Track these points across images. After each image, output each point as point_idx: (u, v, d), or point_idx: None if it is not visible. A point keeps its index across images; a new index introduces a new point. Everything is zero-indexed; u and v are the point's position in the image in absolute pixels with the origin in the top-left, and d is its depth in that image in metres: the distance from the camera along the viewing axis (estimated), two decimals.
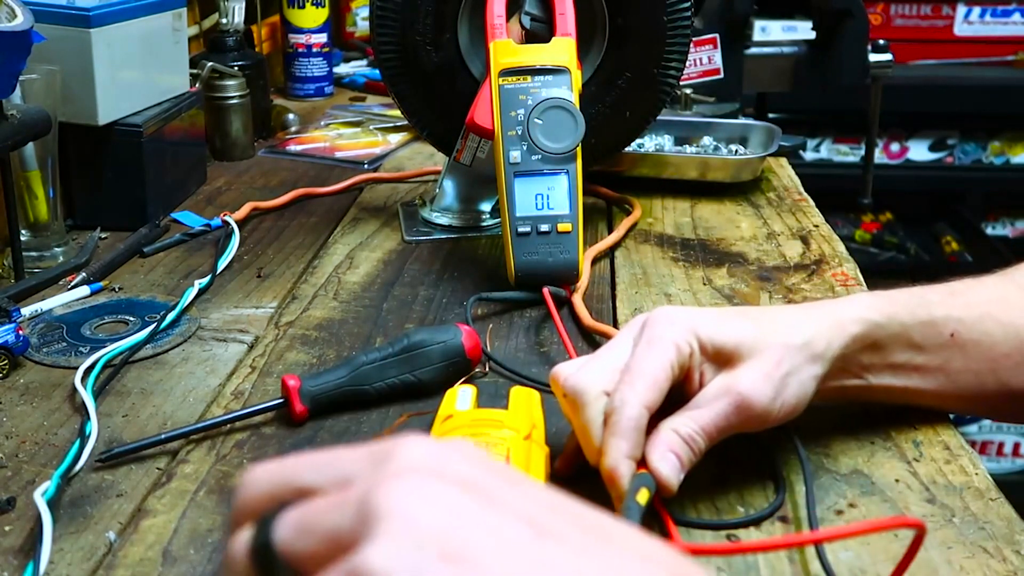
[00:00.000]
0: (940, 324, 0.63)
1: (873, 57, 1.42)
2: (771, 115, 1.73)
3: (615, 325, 0.82)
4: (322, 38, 1.60)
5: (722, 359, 0.58)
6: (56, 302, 0.85)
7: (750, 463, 0.62)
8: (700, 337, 0.57)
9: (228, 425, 0.67)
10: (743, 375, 0.56)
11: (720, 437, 0.57)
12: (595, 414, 0.56)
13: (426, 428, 0.65)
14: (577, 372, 0.58)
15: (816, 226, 1.04)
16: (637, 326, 0.59)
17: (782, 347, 0.58)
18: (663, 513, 0.56)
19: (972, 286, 0.66)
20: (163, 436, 0.64)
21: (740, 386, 0.56)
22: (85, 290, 0.88)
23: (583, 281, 0.88)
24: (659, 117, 1.03)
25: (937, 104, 2.50)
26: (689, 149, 1.21)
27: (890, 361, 0.63)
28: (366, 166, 1.27)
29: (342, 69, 1.77)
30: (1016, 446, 2.54)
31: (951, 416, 0.67)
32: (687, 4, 0.97)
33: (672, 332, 0.57)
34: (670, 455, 0.55)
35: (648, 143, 1.21)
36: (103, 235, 1.01)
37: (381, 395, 0.69)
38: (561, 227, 0.85)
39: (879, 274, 2.56)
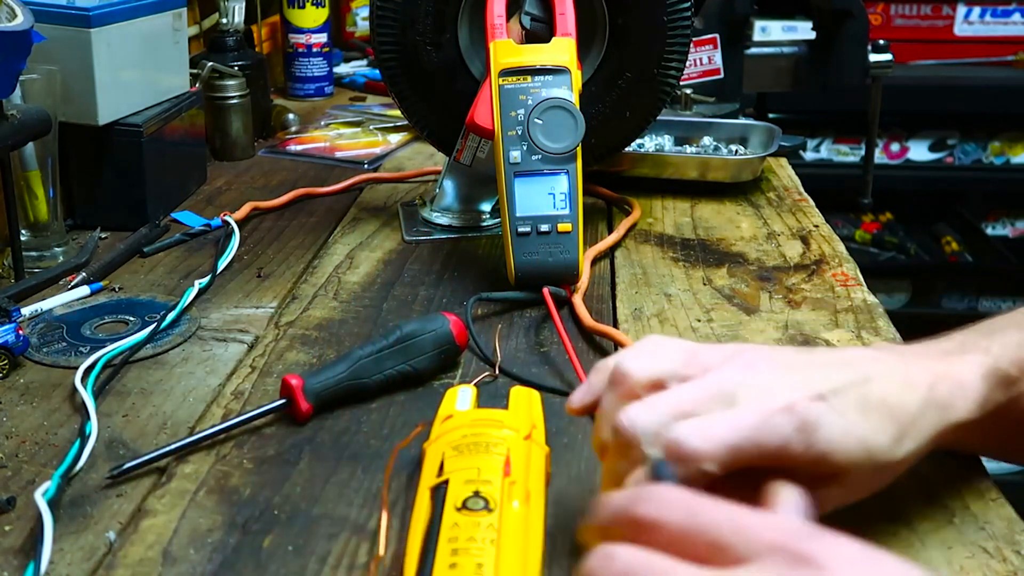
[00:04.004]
0: None
1: (873, 57, 1.42)
2: (771, 115, 1.73)
3: (615, 325, 0.82)
4: (322, 38, 1.60)
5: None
6: (56, 302, 0.85)
7: None
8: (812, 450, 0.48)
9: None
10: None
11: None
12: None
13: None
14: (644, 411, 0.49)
15: (816, 226, 1.04)
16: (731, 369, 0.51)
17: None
18: None
19: None
20: (172, 447, 0.63)
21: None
22: (85, 290, 0.88)
23: (583, 281, 0.88)
24: (659, 117, 1.03)
25: (937, 104, 2.50)
26: (689, 149, 1.21)
27: (993, 437, 0.56)
28: (366, 166, 1.27)
29: (342, 69, 1.77)
30: None
31: None
32: (687, 4, 0.97)
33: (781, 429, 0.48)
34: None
35: (648, 143, 1.21)
36: (103, 235, 1.01)
37: (380, 387, 0.70)
38: (561, 227, 0.85)
39: (879, 274, 2.56)
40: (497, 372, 0.74)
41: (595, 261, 0.95)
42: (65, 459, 0.61)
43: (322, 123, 1.45)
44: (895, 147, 2.63)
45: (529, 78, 0.87)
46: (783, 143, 1.19)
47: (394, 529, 0.56)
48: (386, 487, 0.59)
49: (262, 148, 1.34)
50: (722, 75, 1.36)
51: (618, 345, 0.77)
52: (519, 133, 0.86)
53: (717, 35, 1.35)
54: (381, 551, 0.54)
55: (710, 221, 1.06)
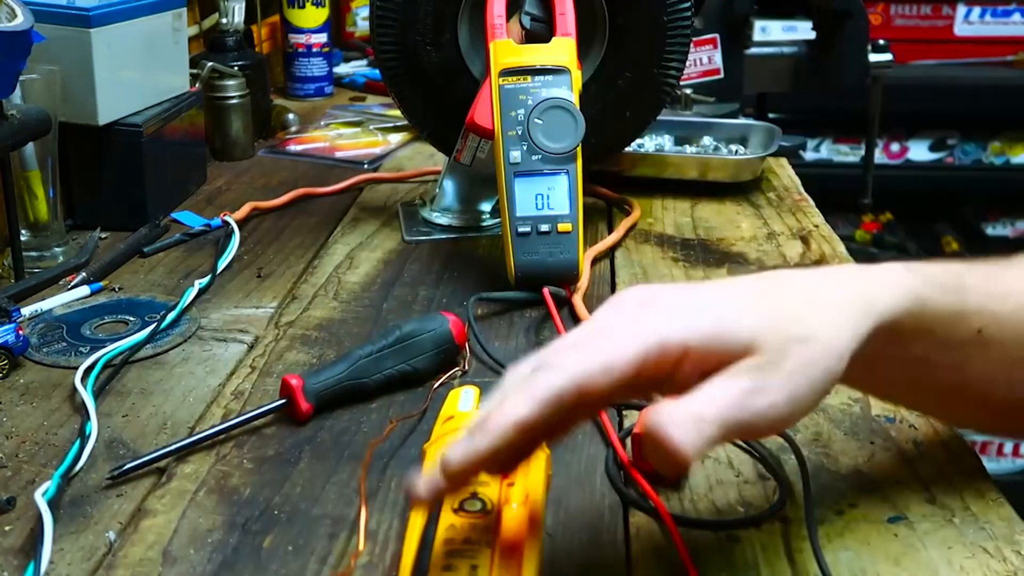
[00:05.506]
0: (971, 317, 0.53)
1: (873, 57, 1.42)
2: (771, 115, 1.73)
3: None
4: (322, 38, 1.60)
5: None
6: (56, 302, 0.85)
7: (750, 463, 0.62)
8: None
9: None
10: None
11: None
12: None
13: (413, 431, 0.65)
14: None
15: (816, 226, 1.04)
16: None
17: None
18: (664, 512, 0.56)
19: (1009, 267, 0.57)
20: (172, 447, 0.63)
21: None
22: (85, 290, 0.88)
23: (583, 281, 0.88)
24: (659, 117, 1.03)
25: (937, 104, 2.50)
26: (689, 149, 1.21)
27: (907, 354, 0.53)
28: (366, 166, 1.27)
29: (342, 69, 1.77)
30: (1016, 446, 2.54)
31: None
32: (687, 4, 0.97)
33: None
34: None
35: (648, 143, 1.21)
36: (103, 235, 1.01)
37: (380, 387, 0.70)
38: (561, 227, 0.85)
39: None
40: (466, 368, 0.74)
41: (595, 261, 0.95)
42: (65, 459, 0.62)
43: (322, 123, 1.45)
44: (895, 147, 2.63)
45: (529, 78, 0.87)
46: (783, 143, 1.19)
47: (389, 527, 0.56)
48: (363, 483, 0.58)
49: (262, 148, 1.34)
50: (722, 75, 1.36)
51: None
52: (519, 133, 0.86)
53: (717, 35, 1.35)
54: (361, 546, 0.54)
55: (710, 221, 1.06)
